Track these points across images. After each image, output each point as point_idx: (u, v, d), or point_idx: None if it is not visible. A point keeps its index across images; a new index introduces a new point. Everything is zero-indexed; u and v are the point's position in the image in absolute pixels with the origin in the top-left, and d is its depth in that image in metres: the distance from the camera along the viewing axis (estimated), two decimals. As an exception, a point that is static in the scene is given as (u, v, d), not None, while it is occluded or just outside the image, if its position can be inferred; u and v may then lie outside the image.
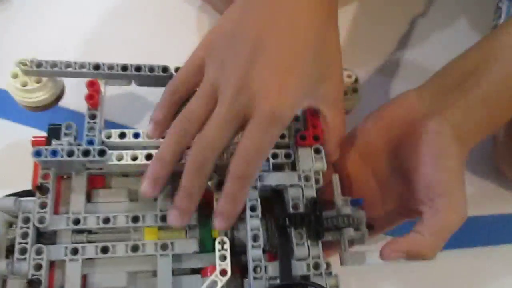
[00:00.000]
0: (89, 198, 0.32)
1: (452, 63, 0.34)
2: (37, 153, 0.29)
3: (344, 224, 0.31)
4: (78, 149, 0.29)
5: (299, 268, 0.30)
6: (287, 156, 0.32)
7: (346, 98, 0.36)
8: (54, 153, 0.29)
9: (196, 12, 0.49)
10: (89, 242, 0.30)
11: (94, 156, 0.29)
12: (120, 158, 0.31)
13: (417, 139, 0.31)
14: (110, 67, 0.33)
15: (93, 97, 0.31)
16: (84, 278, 0.30)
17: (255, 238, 0.30)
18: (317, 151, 0.32)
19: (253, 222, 0.30)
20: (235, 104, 0.29)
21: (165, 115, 0.31)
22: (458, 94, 0.32)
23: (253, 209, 0.30)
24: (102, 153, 0.30)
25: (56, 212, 0.30)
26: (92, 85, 0.31)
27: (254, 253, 0.30)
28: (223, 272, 0.30)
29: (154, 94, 0.35)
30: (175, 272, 0.31)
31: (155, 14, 0.49)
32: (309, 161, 0.32)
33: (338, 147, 0.33)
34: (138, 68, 0.33)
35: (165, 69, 0.34)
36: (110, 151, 0.30)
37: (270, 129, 0.29)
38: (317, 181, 0.32)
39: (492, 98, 0.32)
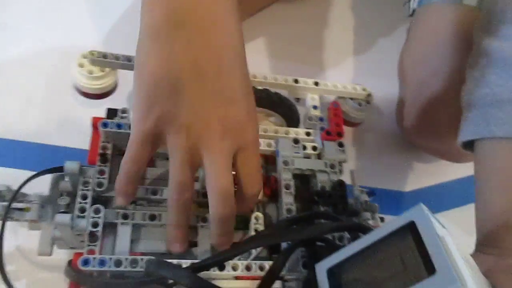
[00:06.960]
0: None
1: None
2: (104, 125, 0.33)
3: (362, 209, 0.36)
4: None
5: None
6: (314, 148, 0.37)
7: (360, 109, 0.42)
8: (119, 125, 0.33)
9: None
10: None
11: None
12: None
13: None
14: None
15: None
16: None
17: (288, 211, 0.34)
18: (340, 145, 0.37)
19: (287, 199, 0.34)
20: (228, 149, 0.30)
21: (134, 186, 0.32)
22: None
23: (287, 187, 0.35)
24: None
25: (110, 181, 0.34)
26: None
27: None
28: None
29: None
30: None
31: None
32: (334, 152, 0.37)
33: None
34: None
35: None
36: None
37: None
38: (339, 171, 0.37)
39: None
